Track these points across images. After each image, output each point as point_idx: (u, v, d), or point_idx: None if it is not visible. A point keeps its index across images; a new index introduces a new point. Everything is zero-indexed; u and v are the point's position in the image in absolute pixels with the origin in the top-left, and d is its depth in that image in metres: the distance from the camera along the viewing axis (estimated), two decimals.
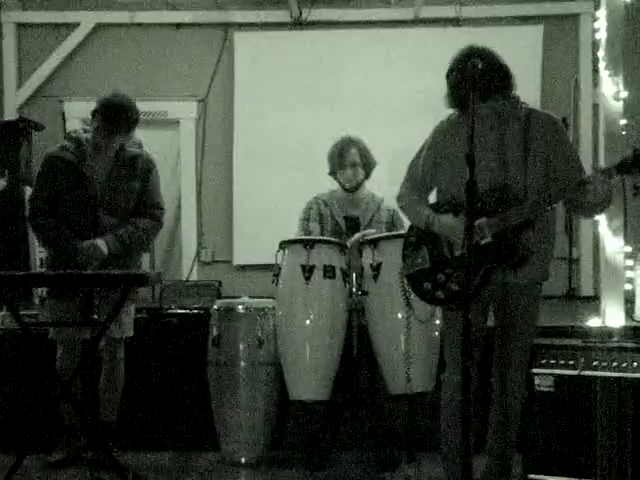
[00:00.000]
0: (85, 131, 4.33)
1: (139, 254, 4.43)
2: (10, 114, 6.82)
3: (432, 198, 3.62)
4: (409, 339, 3.93)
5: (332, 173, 4.72)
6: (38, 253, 5.99)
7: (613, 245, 4.76)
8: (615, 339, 4.26)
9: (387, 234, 4.27)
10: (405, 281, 3.69)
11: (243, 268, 6.74)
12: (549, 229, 3.43)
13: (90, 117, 4.25)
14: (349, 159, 4.61)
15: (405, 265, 3.59)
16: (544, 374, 3.73)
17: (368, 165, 4.65)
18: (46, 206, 4.22)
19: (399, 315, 3.94)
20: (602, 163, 4.85)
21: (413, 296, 3.68)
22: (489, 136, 3.35)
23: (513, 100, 3.39)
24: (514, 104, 3.39)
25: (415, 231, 3.56)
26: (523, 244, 3.27)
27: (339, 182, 4.69)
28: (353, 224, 4.64)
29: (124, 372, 4.32)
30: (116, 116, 4.13)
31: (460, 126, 3.39)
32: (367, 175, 4.67)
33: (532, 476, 3.74)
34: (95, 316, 3.95)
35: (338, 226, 4.63)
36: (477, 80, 2.99)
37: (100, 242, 4.13)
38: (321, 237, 4.45)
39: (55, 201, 4.21)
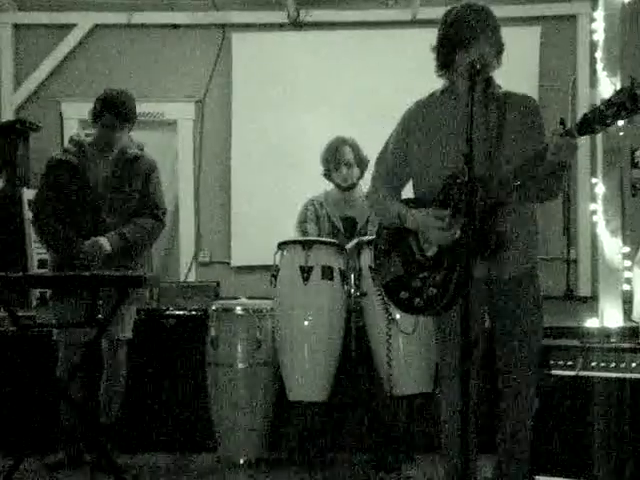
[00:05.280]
0: (87, 135, 4.38)
1: (144, 254, 4.44)
2: (7, 115, 6.81)
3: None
4: (406, 340, 3.94)
5: (326, 174, 4.73)
6: (36, 254, 5.98)
7: (611, 246, 4.76)
8: (613, 340, 4.26)
9: None
10: (383, 293, 3.41)
11: (241, 269, 6.73)
12: (528, 217, 3.20)
13: (91, 120, 4.30)
14: (343, 158, 4.63)
15: (379, 276, 3.38)
16: (542, 375, 3.72)
17: (362, 163, 4.67)
18: (49, 209, 4.26)
19: (403, 321, 3.88)
20: (601, 166, 4.86)
21: (393, 308, 3.55)
22: (461, 117, 3.03)
23: (489, 81, 3.19)
24: (489, 85, 3.19)
25: (383, 236, 3.33)
26: (494, 230, 2.99)
27: (334, 182, 4.71)
28: (350, 224, 4.64)
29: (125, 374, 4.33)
30: (122, 106, 4.21)
31: (431, 108, 3.24)
32: (362, 174, 4.68)
33: (538, 477, 3.72)
34: (100, 317, 3.95)
35: (335, 227, 4.64)
36: (475, 76, 2.86)
37: (103, 240, 4.15)
38: (319, 238, 4.45)
39: (58, 204, 4.24)
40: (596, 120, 2.73)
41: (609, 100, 2.70)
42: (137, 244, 4.29)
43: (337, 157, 4.63)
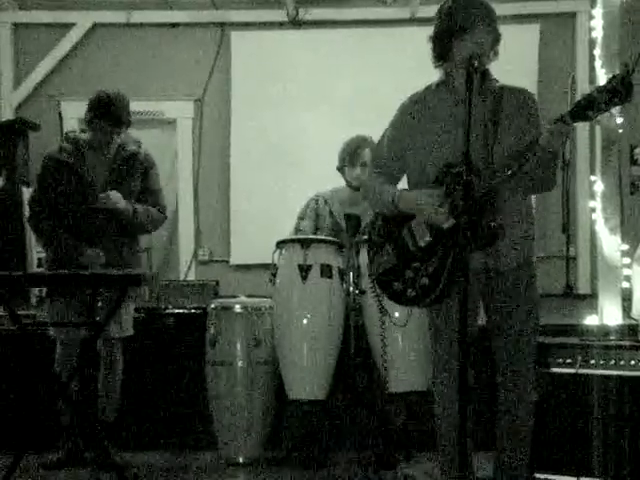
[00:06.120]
0: (82, 131, 4.36)
1: (141, 252, 4.44)
2: (7, 114, 6.81)
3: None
4: (403, 338, 3.94)
5: (340, 168, 4.72)
6: (35, 253, 5.99)
7: (610, 243, 4.76)
8: (612, 337, 4.27)
9: None
10: (375, 285, 3.44)
11: (240, 267, 6.73)
12: (524, 209, 3.20)
13: (86, 122, 4.27)
14: (361, 158, 4.62)
15: (372, 267, 3.38)
16: (541, 372, 3.72)
17: None
18: (45, 208, 4.24)
19: (396, 314, 3.91)
20: (599, 163, 4.86)
21: (386, 299, 3.53)
22: (457, 110, 3.09)
23: (485, 74, 3.20)
24: (486, 78, 3.20)
25: (377, 228, 3.35)
26: (488, 220, 3.00)
27: (346, 179, 4.70)
28: (354, 222, 4.63)
29: (122, 371, 4.32)
30: (116, 112, 4.17)
31: (426, 101, 3.25)
32: None
33: (539, 475, 3.73)
34: (97, 316, 3.95)
35: (337, 225, 4.63)
36: (473, 74, 2.89)
37: (113, 192, 4.16)
38: (318, 236, 4.45)
39: (54, 203, 4.23)
40: (589, 106, 2.75)
41: (602, 86, 2.72)
42: (141, 220, 4.29)
43: (355, 155, 4.63)
